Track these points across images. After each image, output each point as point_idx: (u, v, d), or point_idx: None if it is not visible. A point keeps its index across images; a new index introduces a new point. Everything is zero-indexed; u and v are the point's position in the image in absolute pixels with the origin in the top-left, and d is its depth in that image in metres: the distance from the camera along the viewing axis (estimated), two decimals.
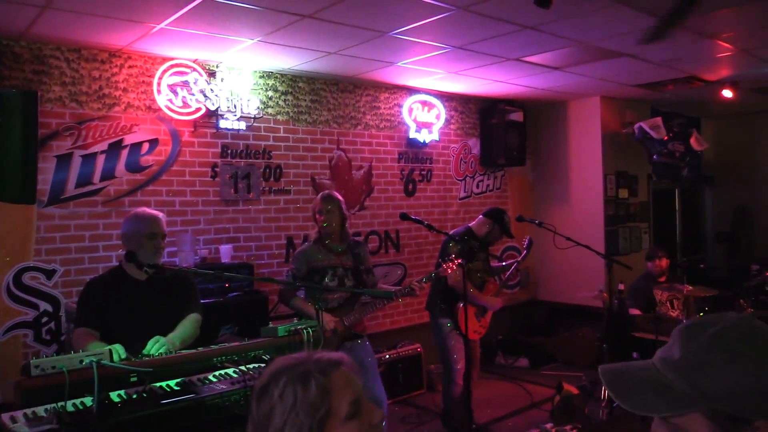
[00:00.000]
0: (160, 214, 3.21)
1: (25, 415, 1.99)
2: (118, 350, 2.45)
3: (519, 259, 5.05)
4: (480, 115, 7.22)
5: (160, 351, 2.66)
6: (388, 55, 5.06)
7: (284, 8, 3.84)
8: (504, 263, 5.29)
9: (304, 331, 2.69)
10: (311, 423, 1.18)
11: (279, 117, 5.53)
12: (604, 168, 7.21)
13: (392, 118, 6.42)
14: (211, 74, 5.05)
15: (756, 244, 8.76)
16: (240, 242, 5.26)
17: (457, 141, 7.04)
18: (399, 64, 5.36)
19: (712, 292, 5.24)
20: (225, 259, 4.99)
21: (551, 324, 7.57)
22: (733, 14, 4.31)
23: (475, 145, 7.21)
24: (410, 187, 6.60)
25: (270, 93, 5.46)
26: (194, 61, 4.94)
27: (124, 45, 4.49)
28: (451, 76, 5.90)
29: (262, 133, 5.41)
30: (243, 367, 2.41)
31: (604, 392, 4.82)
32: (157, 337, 2.75)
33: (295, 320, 2.96)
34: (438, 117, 6.69)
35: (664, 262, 5.93)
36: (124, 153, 4.67)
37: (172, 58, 4.83)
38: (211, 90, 4.96)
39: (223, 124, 5.07)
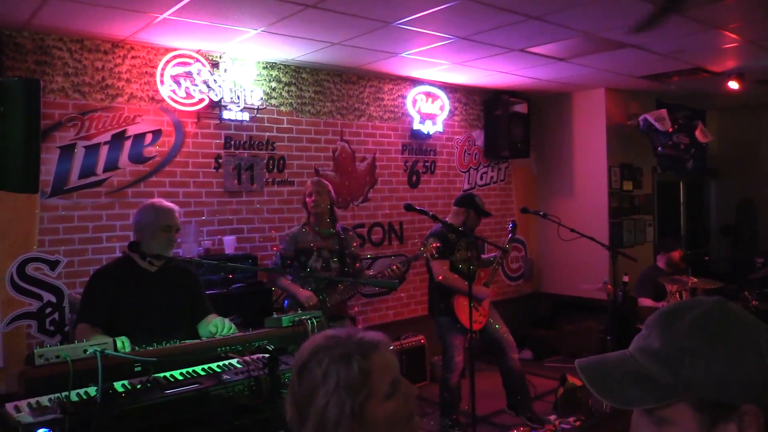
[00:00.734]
0: (176, 207, 3.19)
1: (29, 404, 1.99)
2: (123, 341, 2.45)
3: (504, 245, 4.99)
4: (484, 106, 7.19)
5: (231, 330, 2.78)
6: (391, 45, 5.03)
7: None
8: (493, 255, 5.32)
9: (309, 321, 2.68)
10: (353, 403, 1.24)
11: (282, 108, 5.51)
12: (608, 160, 7.18)
13: (396, 110, 6.39)
14: (215, 65, 5.03)
15: (760, 237, 8.73)
16: (243, 233, 5.26)
17: (461, 132, 7.01)
18: (403, 54, 5.33)
19: (716, 285, 5.22)
20: (229, 250, 4.99)
21: (555, 316, 7.56)
22: (740, 4, 4.27)
23: (479, 136, 7.18)
24: (414, 178, 6.58)
25: (273, 84, 5.44)
26: (197, 52, 4.92)
27: (127, 35, 4.47)
28: (456, 67, 5.87)
29: (266, 124, 5.40)
30: (247, 358, 2.40)
31: None
32: (215, 321, 2.84)
33: (299, 310, 2.95)
34: (442, 108, 6.67)
35: (676, 254, 5.92)
36: (128, 144, 4.66)
37: (175, 49, 4.82)
38: (215, 81, 4.94)
39: (226, 115, 5.06)
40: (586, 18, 4.40)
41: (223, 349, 2.49)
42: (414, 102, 6.43)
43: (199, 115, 4.99)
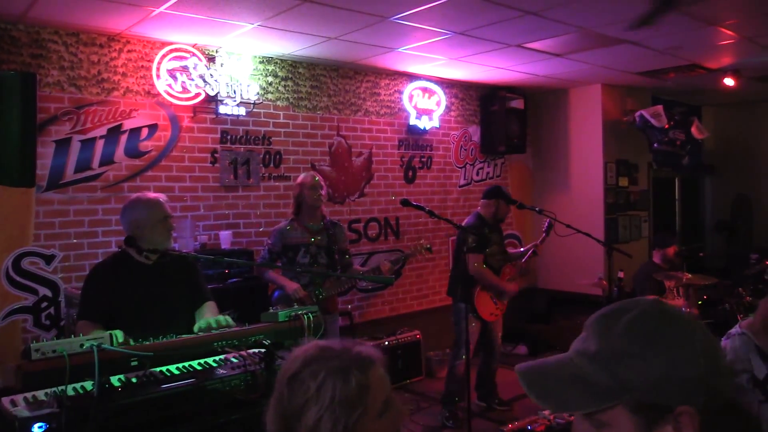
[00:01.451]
0: (162, 195, 3.18)
1: (25, 398, 1.99)
2: (117, 335, 2.44)
3: (537, 243, 5.24)
4: (480, 102, 7.19)
5: (228, 322, 2.76)
6: (388, 40, 5.02)
7: None
8: (522, 248, 5.53)
9: (305, 316, 2.68)
10: (347, 420, 1.17)
11: (279, 103, 5.50)
12: (604, 156, 7.19)
13: (392, 105, 6.39)
14: (211, 59, 5.01)
15: (755, 233, 8.77)
16: (240, 228, 5.25)
17: (457, 128, 7.01)
18: (400, 49, 5.32)
19: (711, 280, 5.24)
20: (225, 245, 4.98)
21: (551, 312, 7.58)
22: (736, 1, 4.28)
23: (475, 132, 7.18)
24: (410, 174, 6.58)
25: (270, 78, 5.43)
26: (194, 46, 4.90)
27: (123, 29, 4.45)
28: (452, 62, 5.86)
29: (262, 119, 5.39)
30: (243, 353, 2.41)
31: None
32: (213, 320, 2.81)
33: (295, 305, 2.95)
34: (438, 104, 6.66)
35: (671, 250, 5.93)
36: (123, 138, 4.65)
37: (171, 43, 4.80)
38: (211, 75, 4.93)
39: (222, 109, 5.04)
40: (583, 14, 4.41)
41: (220, 343, 2.49)
42: (411, 97, 6.43)
43: (195, 109, 4.97)
